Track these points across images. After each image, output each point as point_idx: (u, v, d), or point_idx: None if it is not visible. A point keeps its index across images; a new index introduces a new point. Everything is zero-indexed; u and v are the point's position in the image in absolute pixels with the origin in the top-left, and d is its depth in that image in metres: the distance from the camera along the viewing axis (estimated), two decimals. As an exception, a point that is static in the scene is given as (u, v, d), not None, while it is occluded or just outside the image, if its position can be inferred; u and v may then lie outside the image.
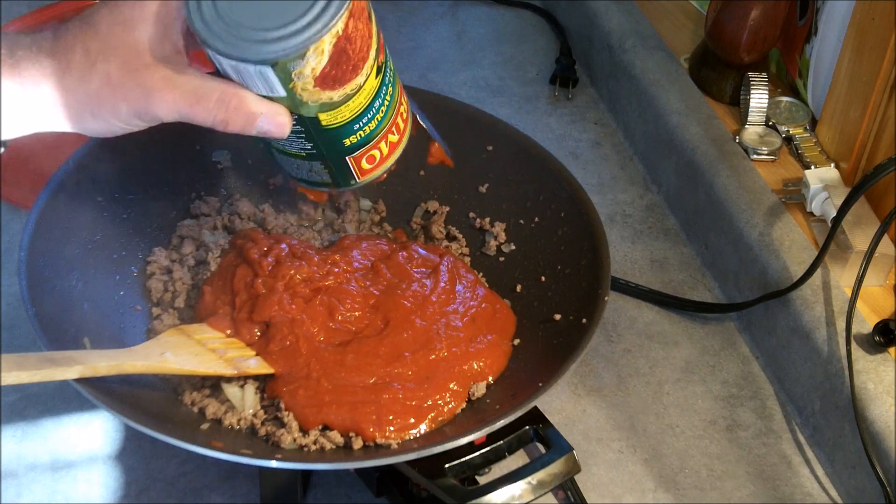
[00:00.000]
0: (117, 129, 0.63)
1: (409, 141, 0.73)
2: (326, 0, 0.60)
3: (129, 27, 0.60)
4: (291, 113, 0.64)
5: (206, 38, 0.60)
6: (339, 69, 0.62)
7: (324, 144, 0.67)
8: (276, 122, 0.63)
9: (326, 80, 0.62)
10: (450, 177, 0.93)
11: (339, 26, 0.60)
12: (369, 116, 0.67)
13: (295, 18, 0.60)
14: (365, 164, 0.70)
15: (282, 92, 0.62)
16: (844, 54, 0.98)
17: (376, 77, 0.66)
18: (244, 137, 0.71)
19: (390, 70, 0.68)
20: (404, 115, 0.71)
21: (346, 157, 0.69)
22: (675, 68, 1.16)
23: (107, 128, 0.63)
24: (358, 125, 0.67)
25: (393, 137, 0.70)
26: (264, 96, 0.63)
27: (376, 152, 0.70)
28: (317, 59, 0.60)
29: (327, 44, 0.60)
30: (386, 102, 0.68)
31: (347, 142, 0.68)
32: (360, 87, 0.65)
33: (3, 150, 0.69)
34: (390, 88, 0.68)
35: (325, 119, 0.65)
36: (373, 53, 0.65)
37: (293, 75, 0.61)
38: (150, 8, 0.60)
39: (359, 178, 0.71)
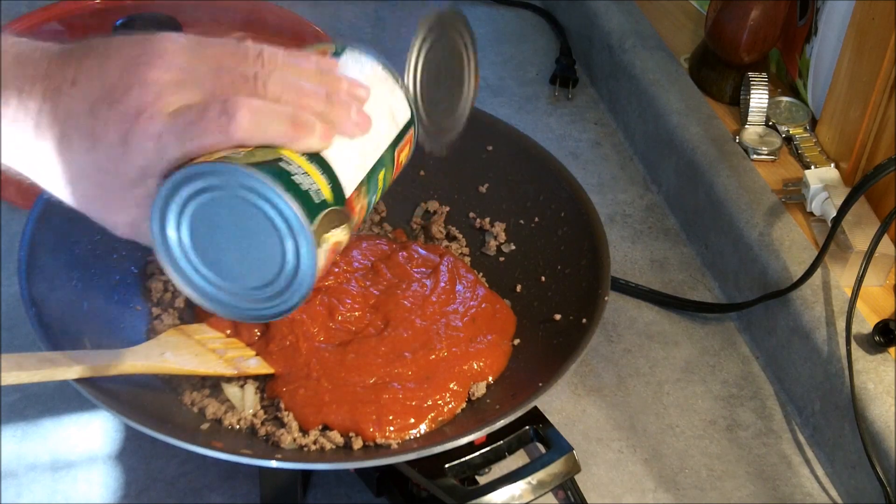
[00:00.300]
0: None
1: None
2: (291, 289, 0.55)
3: (109, 175, 0.55)
4: None
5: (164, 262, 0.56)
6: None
7: None
8: None
9: None
10: (450, 177, 0.93)
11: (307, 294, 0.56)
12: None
13: (262, 287, 0.55)
14: None
15: None
16: (844, 54, 0.98)
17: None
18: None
19: (374, 199, 0.63)
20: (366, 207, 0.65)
21: None
22: (675, 68, 1.16)
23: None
24: None
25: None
26: None
27: None
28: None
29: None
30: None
31: None
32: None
33: None
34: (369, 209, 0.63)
35: None
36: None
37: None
38: (133, 162, 0.54)
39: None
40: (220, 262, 0.55)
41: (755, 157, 1.05)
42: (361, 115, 0.58)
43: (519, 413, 0.70)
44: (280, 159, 0.54)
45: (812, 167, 1.01)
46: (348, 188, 0.57)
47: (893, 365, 0.85)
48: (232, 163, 0.52)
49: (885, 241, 0.89)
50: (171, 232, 0.55)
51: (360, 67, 0.62)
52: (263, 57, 0.55)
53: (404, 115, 0.64)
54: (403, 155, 0.64)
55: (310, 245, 0.53)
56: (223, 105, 0.53)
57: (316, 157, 0.56)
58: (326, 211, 0.55)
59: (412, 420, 0.74)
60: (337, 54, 0.62)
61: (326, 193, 0.55)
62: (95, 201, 0.57)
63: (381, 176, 0.61)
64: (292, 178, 0.53)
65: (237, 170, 0.52)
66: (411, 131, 0.65)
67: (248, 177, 0.52)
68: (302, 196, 0.53)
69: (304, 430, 0.74)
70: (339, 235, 0.57)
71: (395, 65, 0.69)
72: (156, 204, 0.54)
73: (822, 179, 0.97)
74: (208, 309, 0.57)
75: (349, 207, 0.58)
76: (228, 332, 0.79)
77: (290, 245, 0.53)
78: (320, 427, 0.74)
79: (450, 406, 0.76)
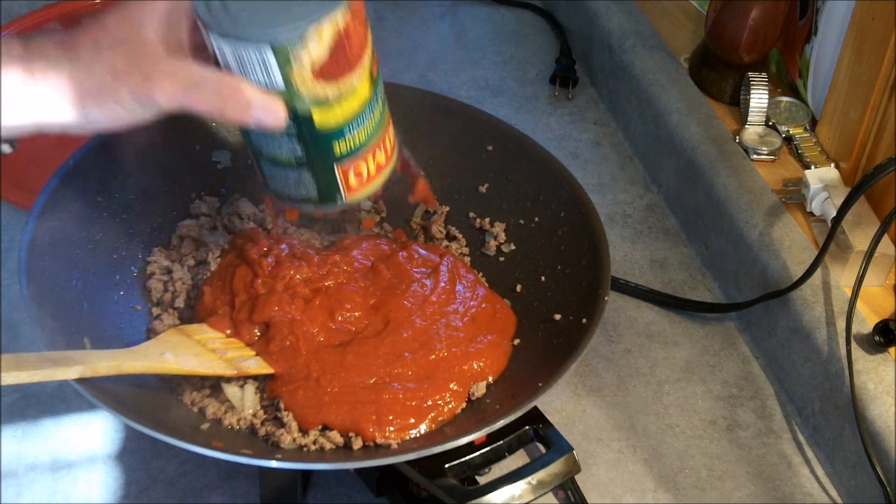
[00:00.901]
0: (120, 117, 0.64)
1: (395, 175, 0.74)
2: None
3: (137, 24, 0.63)
4: (287, 106, 0.64)
5: (207, 20, 0.62)
6: (335, 63, 0.64)
7: (314, 147, 0.68)
8: (271, 111, 0.64)
9: (323, 72, 0.63)
10: (450, 177, 0.93)
11: (338, 16, 0.62)
12: (360, 123, 0.68)
13: (297, 7, 0.62)
14: (352, 180, 0.70)
15: (280, 81, 0.63)
16: (844, 54, 0.98)
17: (369, 85, 0.67)
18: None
19: (381, 89, 0.69)
20: (392, 140, 0.72)
21: (335, 166, 0.69)
22: (675, 68, 1.16)
23: (110, 115, 0.64)
24: (349, 131, 0.67)
25: (380, 157, 0.71)
26: (262, 86, 0.64)
27: (364, 167, 0.70)
28: (315, 47, 0.62)
29: (326, 31, 0.62)
30: (376, 115, 0.69)
31: (337, 149, 0.68)
32: (354, 90, 0.66)
33: (12, 150, 0.73)
34: (380, 104, 0.69)
35: (319, 118, 0.65)
36: (367, 58, 0.66)
37: (292, 60, 0.62)
38: (158, 8, 0.64)
39: (345, 194, 0.71)
40: None
41: (755, 157, 1.05)
42: None
43: (519, 413, 0.70)
44: None
45: (812, 167, 1.01)
46: None
47: (893, 365, 0.85)
48: None
49: (885, 241, 0.89)
50: None
51: None
52: None
53: None
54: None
55: None
56: None
57: None
58: None
59: (412, 420, 0.74)
60: None
61: None
62: (126, 60, 0.63)
63: None
64: None
65: None
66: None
67: None
68: None
69: (303, 430, 0.74)
70: None
71: (396, 64, 0.70)
72: None
73: (822, 179, 0.97)
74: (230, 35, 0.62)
75: None
76: (228, 332, 0.79)
77: None
78: (320, 427, 0.74)
79: (450, 406, 0.76)
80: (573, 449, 0.71)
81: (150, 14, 0.64)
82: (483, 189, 0.92)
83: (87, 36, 0.64)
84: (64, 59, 0.63)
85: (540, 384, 0.71)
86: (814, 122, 1.07)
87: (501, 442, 0.72)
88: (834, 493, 0.87)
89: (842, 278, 0.91)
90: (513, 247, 0.90)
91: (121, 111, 0.64)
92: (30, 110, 0.63)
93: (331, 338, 0.79)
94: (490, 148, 0.92)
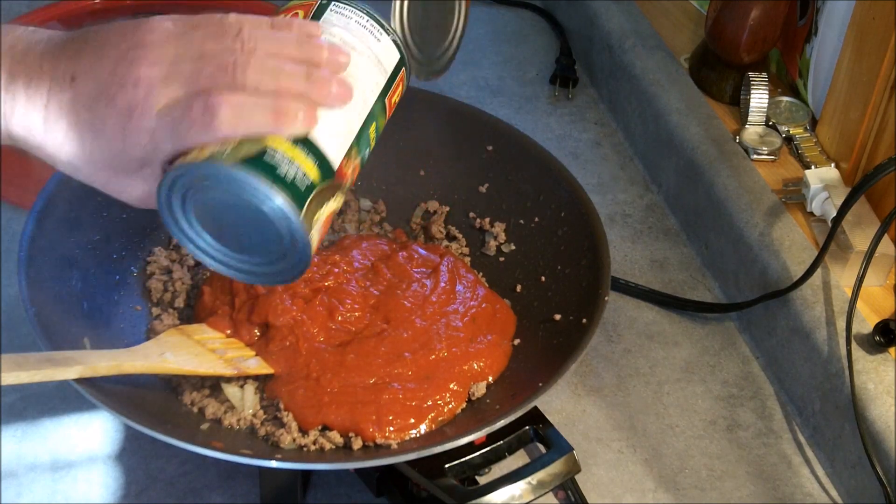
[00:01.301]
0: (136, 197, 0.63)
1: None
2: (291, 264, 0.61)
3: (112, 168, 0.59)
4: None
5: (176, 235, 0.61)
6: None
7: None
8: None
9: None
10: (450, 177, 0.93)
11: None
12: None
13: (264, 259, 0.61)
14: None
15: None
16: (844, 54, 0.98)
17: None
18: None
19: (367, 153, 0.66)
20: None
21: None
22: (675, 68, 1.16)
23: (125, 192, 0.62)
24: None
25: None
26: None
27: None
28: None
29: None
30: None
31: None
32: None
33: None
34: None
35: None
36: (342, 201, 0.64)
37: None
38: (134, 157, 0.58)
39: None
40: (228, 241, 0.60)
41: (755, 157, 1.05)
42: (342, 86, 0.60)
43: (519, 413, 0.70)
44: (265, 152, 0.56)
45: (812, 167, 1.00)
46: (337, 159, 0.60)
47: (893, 365, 0.85)
48: (217, 162, 0.55)
49: (885, 241, 0.89)
50: (179, 217, 0.59)
51: (344, 22, 0.64)
52: (243, 36, 0.58)
53: (393, 59, 0.66)
54: (396, 96, 0.66)
55: (301, 231, 0.57)
56: (205, 103, 0.55)
57: (301, 140, 0.58)
58: (314, 193, 0.58)
59: (412, 420, 0.74)
60: (321, 10, 0.64)
61: (314, 175, 0.58)
62: (107, 181, 0.60)
63: (371, 130, 0.64)
64: (277, 171, 0.56)
65: (220, 170, 0.55)
66: (402, 72, 0.67)
67: (232, 177, 0.55)
68: (288, 187, 0.56)
69: (303, 431, 0.74)
70: (332, 206, 0.60)
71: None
72: (160, 196, 0.58)
73: (822, 179, 0.97)
74: (226, 275, 0.62)
75: (340, 176, 0.60)
76: (228, 332, 0.79)
77: (284, 229, 0.57)
78: (320, 427, 0.74)
79: (450, 406, 0.76)
80: (573, 449, 0.71)
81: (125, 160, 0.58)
82: (483, 189, 0.92)
83: (66, 141, 0.58)
84: (48, 149, 0.59)
85: (540, 384, 0.71)
86: (814, 122, 1.07)
87: (501, 442, 0.72)
88: (834, 493, 0.86)
89: (842, 278, 0.91)
90: (513, 247, 0.90)
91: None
92: (20, 135, 0.60)
93: (331, 338, 0.79)
94: (490, 148, 0.92)
